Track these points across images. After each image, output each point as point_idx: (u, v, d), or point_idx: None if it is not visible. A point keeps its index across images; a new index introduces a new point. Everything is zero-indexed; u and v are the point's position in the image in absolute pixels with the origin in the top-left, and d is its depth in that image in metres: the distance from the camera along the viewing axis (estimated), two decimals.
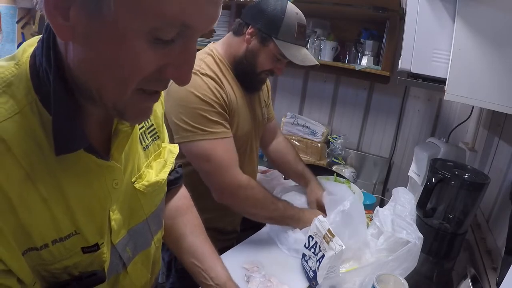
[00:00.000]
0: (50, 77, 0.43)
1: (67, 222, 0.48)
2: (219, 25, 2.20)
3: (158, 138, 0.68)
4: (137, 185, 0.60)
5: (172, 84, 1.08)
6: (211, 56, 1.08)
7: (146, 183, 0.61)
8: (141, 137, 0.63)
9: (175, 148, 0.73)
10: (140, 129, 0.63)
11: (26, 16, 2.95)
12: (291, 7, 1.06)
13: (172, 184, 0.81)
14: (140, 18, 0.36)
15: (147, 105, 0.48)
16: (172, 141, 1.03)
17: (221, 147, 1.01)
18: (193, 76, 1.08)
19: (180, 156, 1.09)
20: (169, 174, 0.77)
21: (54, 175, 0.46)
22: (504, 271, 0.68)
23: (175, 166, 0.82)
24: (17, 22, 2.97)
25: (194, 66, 1.08)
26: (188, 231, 0.81)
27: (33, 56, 0.45)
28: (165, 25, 0.38)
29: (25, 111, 0.44)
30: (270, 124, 1.40)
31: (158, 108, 0.69)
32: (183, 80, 0.44)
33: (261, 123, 1.27)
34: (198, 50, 1.15)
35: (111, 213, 0.56)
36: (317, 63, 1.13)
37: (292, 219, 1.11)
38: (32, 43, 0.48)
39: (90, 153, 0.48)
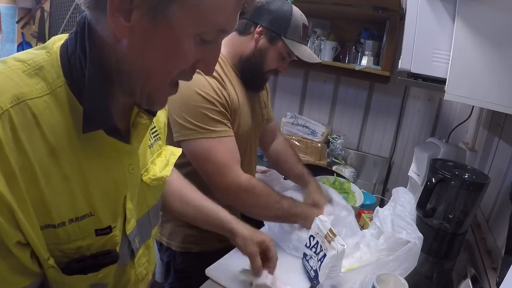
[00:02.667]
0: (82, 64, 0.48)
1: (84, 202, 0.51)
2: None
3: (160, 140, 0.72)
4: (144, 178, 0.64)
5: None
6: None
7: (153, 177, 0.65)
8: (148, 136, 0.67)
9: (177, 151, 0.77)
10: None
11: (26, 16, 2.95)
12: (296, 9, 1.10)
13: None
14: (194, 25, 0.45)
15: (169, 95, 0.55)
16: (171, 139, 1.03)
17: (222, 146, 1.01)
18: (196, 75, 1.10)
19: (180, 155, 1.09)
20: None
21: (76, 155, 0.49)
22: (504, 271, 0.68)
23: None
24: (17, 22, 2.97)
25: None
26: (189, 199, 0.90)
27: (65, 46, 0.50)
28: (212, 30, 0.47)
29: (55, 93, 0.48)
30: (270, 125, 1.40)
31: (160, 113, 0.73)
32: (210, 71, 0.52)
33: (260, 123, 1.28)
34: None
35: (126, 202, 0.59)
36: (320, 60, 1.17)
37: (299, 217, 1.09)
38: (61, 37, 0.52)
39: (113, 136, 0.52)
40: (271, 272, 0.90)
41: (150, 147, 0.68)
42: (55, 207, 0.48)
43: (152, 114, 0.59)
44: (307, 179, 1.35)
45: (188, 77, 0.52)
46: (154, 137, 0.70)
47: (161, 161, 0.70)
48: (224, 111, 1.03)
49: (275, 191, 1.09)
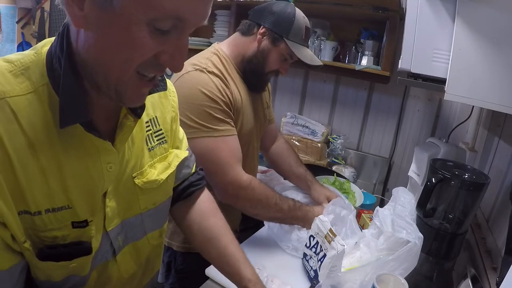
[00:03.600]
0: (61, 62, 0.50)
1: (61, 195, 0.53)
2: (219, 25, 2.20)
3: (166, 143, 0.72)
4: (136, 181, 0.65)
5: (178, 81, 1.09)
6: (217, 56, 1.09)
7: (145, 180, 0.66)
8: (147, 138, 0.68)
9: (182, 153, 0.77)
10: (147, 131, 0.68)
11: (26, 16, 2.95)
12: (299, 11, 1.11)
13: (194, 185, 0.84)
14: (143, 10, 0.44)
15: (144, 90, 0.54)
16: None
17: (225, 145, 1.01)
18: (200, 73, 1.10)
19: None
20: (191, 175, 0.83)
21: (55, 150, 0.52)
22: (504, 271, 0.68)
23: (196, 168, 0.86)
24: (17, 22, 2.97)
25: (201, 64, 1.12)
26: (213, 234, 0.81)
27: (50, 48, 0.53)
28: (163, 17, 0.45)
29: (37, 91, 0.50)
30: (271, 126, 1.40)
31: (169, 114, 0.73)
32: (176, 66, 0.51)
33: (262, 123, 1.28)
34: (200, 50, 1.17)
35: (107, 199, 0.60)
36: (322, 63, 1.18)
37: (298, 219, 1.10)
38: (51, 40, 0.55)
39: (90, 132, 0.53)
40: (272, 279, 0.91)
41: (150, 150, 0.68)
42: (31, 196, 0.50)
43: (137, 115, 0.60)
44: (310, 181, 1.34)
45: (156, 71, 0.51)
46: (157, 140, 0.70)
47: (163, 165, 0.71)
48: (228, 110, 1.03)
49: (275, 193, 1.09)
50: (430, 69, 0.92)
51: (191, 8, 0.46)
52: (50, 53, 0.52)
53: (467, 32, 0.83)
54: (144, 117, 0.66)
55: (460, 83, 0.85)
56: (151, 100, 0.69)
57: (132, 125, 0.59)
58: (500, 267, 0.84)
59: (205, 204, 0.86)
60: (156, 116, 0.70)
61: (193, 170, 0.85)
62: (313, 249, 0.95)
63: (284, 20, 1.07)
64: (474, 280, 0.83)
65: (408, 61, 0.94)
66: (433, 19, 0.90)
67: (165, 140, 0.72)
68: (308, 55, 1.13)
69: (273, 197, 1.07)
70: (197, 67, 1.02)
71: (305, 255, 1.00)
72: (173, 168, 0.72)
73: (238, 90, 1.09)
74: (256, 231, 1.20)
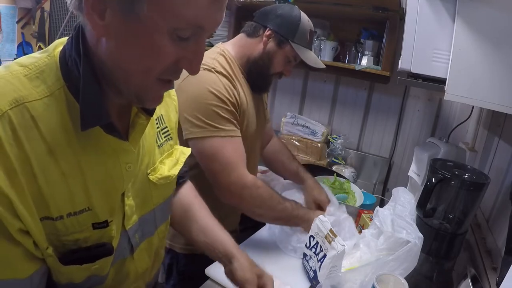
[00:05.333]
0: (79, 66, 0.50)
1: (82, 198, 0.53)
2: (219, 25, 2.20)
3: (171, 139, 0.74)
4: (151, 177, 0.67)
5: (186, 80, 1.10)
6: (223, 56, 1.09)
7: (159, 176, 0.68)
8: (157, 136, 0.69)
9: (187, 150, 0.79)
10: (156, 129, 0.70)
11: (26, 16, 2.95)
12: (304, 14, 1.12)
13: (181, 177, 0.87)
14: (166, 20, 0.45)
15: (162, 92, 0.55)
16: (181, 138, 1.03)
17: (230, 146, 1.02)
18: (208, 73, 1.11)
19: (188, 158, 1.09)
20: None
21: (75, 153, 0.52)
22: (504, 271, 0.68)
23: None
24: (17, 22, 2.97)
25: (209, 64, 1.14)
26: (196, 216, 0.85)
27: (63, 50, 0.53)
28: (185, 26, 0.46)
29: (54, 95, 0.50)
30: (267, 126, 1.40)
31: (172, 113, 0.75)
32: (194, 70, 0.52)
33: (263, 124, 1.29)
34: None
35: (126, 198, 0.61)
36: (325, 66, 1.19)
37: (301, 219, 1.09)
38: (62, 41, 0.55)
39: (110, 133, 0.54)
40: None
41: (159, 147, 0.70)
42: (53, 201, 0.50)
43: (149, 114, 0.61)
44: (303, 177, 1.34)
45: (175, 76, 0.53)
46: (165, 137, 0.72)
47: (171, 161, 0.72)
48: (234, 110, 1.04)
49: (278, 193, 1.09)
50: (430, 69, 0.92)
51: (210, 16, 0.48)
52: (64, 55, 0.52)
53: (467, 32, 0.83)
54: (153, 115, 0.67)
55: (460, 83, 0.85)
56: None
57: (145, 124, 0.60)
58: (500, 267, 0.84)
59: (186, 191, 0.89)
60: (162, 114, 0.71)
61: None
62: (313, 249, 0.95)
63: (290, 23, 1.09)
64: (474, 280, 0.83)
65: (408, 61, 0.94)
66: (433, 19, 0.90)
67: (170, 137, 0.74)
68: (312, 57, 1.14)
69: (276, 197, 1.07)
70: (205, 67, 1.02)
71: (305, 255, 1.00)
72: (181, 164, 0.74)
73: (243, 91, 1.10)
74: (256, 231, 1.20)
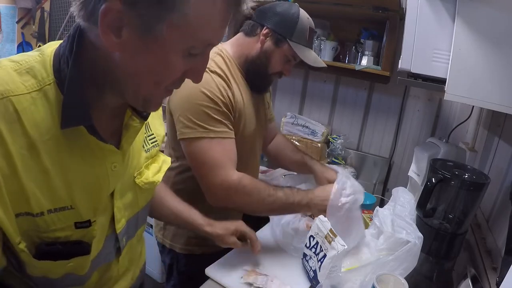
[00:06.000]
0: (69, 64, 0.50)
1: (64, 195, 0.53)
2: None
3: (157, 146, 0.75)
4: (137, 180, 0.67)
5: None
6: (220, 56, 1.08)
7: (145, 180, 0.69)
8: (144, 141, 0.70)
9: (169, 159, 0.80)
10: (144, 134, 0.71)
11: (26, 16, 2.95)
12: (303, 12, 1.09)
13: None
14: (183, 41, 0.47)
15: (163, 99, 0.57)
16: (175, 138, 1.03)
17: (219, 147, 1.00)
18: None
19: (183, 157, 1.09)
20: None
21: (59, 150, 0.51)
22: (504, 271, 0.68)
23: None
24: (17, 22, 2.97)
25: None
26: (163, 198, 0.94)
27: (58, 48, 0.53)
28: (199, 45, 0.49)
29: (43, 90, 0.50)
30: (270, 125, 1.40)
31: (157, 121, 0.76)
32: (198, 79, 0.55)
33: (264, 124, 1.27)
34: None
35: (114, 199, 0.62)
36: (325, 65, 1.16)
37: (299, 204, 1.04)
38: (57, 42, 0.55)
39: (93, 135, 0.54)
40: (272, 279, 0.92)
41: (146, 152, 0.71)
42: (34, 197, 0.50)
43: (144, 118, 0.61)
44: (311, 164, 1.32)
45: (178, 86, 0.55)
46: (152, 143, 0.73)
47: (155, 167, 0.73)
48: (227, 111, 1.02)
49: (269, 185, 1.05)
50: (430, 69, 0.92)
51: (219, 34, 0.51)
52: (58, 54, 0.52)
53: (467, 32, 0.83)
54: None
55: (460, 83, 0.85)
56: None
57: (138, 127, 0.61)
58: (500, 267, 0.84)
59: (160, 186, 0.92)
60: (148, 122, 0.72)
61: None
62: (313, 249, 0.95)
63: (288, 21, 1.06)
64: (474, 280, 0.83)
65: (408, 61, 0.94)
66: (433, 19, 0.90)
67: (157, 143, 0.75)
68: (311, 56, 1.11)
69: (266, 189, 1.02)
70: None
71: (304, 255, 1.00)
72: (163, 172, 0.75)
73: (240, 92, 1.09)
74: (256, 231, 1.20)
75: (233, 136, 1.04)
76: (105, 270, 0.66)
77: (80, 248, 0.57)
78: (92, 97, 0.54)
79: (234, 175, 1.00)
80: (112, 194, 0.61)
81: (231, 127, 1.03)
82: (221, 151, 1.00)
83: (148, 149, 0.71)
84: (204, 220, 0.96)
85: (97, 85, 0.53)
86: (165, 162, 0.77)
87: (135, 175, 0.67)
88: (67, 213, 0.54)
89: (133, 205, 0.68)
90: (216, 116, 0.99)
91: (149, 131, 0.73)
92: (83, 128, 0.52)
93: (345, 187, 1.07)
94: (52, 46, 0.54)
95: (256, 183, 1.04)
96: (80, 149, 0.54)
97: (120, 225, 0.64)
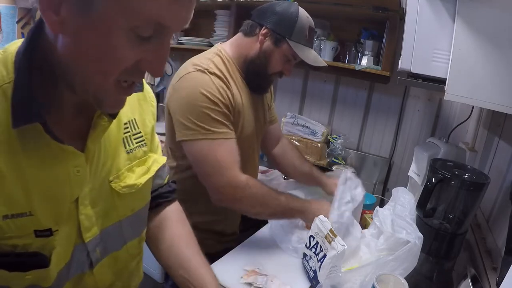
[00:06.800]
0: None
1: (22, 201, 0.49)
2: (219, 25, 2.20)
3: (145, 146, 0.69)
4: (113, 185, 0.62)
5: (179, 81, 1.08)
6: (219, 56, 1.08)
7: (123, 184, 0.63)
8: (125, 140, 0.65)
9: (162, 159, 0.75)
10: (125, 133, 0.65)
11: (26, 16, 2.95)
12: (302, 11, 1.08)
13: (163, 197, 0.81)
14: (124, 17, 0.42)
15: (122, 97, 0.53)
16: (174, 138, 1.03)
17: (222, 148, 1.00)
18: (201, 74, 1.08)
19: (181, 157, 1.09)
20: (161, 187, 0.80)
21: (15, 153, 0.48)
22: (504, 271, 0.68)
23: (168, 180, 0.83)
24: (17, 22, 2.97)
25: (202, 65, 1.11)
26: (176, 242, 0.78)
27: (20, 46, 0.50)
28: (144, 23, 0.43)
29: (2, 88, 0.47)
30: (273, 127, 1.39)
31: (148, 118, 0.71)
32: (156, 72, 0.49)
33: (263, 125, 1.27)
34: (200, 50, 1.16)
35: (80, 206, 0.56)
36: (326, 64, 1.16)
37: (297, 211, 1.08)
38: (21, 40, 0.52)
39: (48, 134, 0.50)
40: (272, 279, 0.91)
41: (128, 153, 0.65)
42: None
43: (112, 116, 0.57)
44: (317, 176, 1.33)
45: (136, 78, 0.50)
46: (137, 143, 0.67)
47: (142, 169, 0.68)
48: (227, 112, 1.02)
49: (272, 188, 1.08)
50: (430, 69, 0.92)
51: (172, 14, 0.44)
52: (19, 52, 0.49)
53: (467, 32, 0.83)
54: (123, 118, 0.64)
55: (460, 83, 0.85)
56: (129, 102, 0.64)
57: (106, 125, 0.57)
58: (500, 267, 0.84)
59: (172, 214, 0.82)
60: (134, 119, 0.67)
61: (165, 182, 0.82)
62: (313, 249, 0.95)
63: (287, 20, 1.05)
64: (474, 280, 0.83)
65: (408, 61, 0.94)
66: (433, 19, 0.90)
67: (144, 143, 0.69)
68: (311, 56, 1.10)
69: (271, 192, 1.05)
70: (198, 68, 1.01)
71: (304, 255, 1.00)
72: (152, 173, 0.70)
73: (239, 92, 1.09)
74: (256, 231, 1.20)
75: (234, 137, 1.04)
76: (79, 280, 0.60)
77: (36, 261, 0.52)
78: (49, 94, 0.50)
79: (242, 176, 1.01)
80: (77, 201, 0.56)
81: (231, 127, 1.04)
82: (224, 152, 1.00)
83: (130, 149, 0.65)
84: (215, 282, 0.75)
85: (52, 81, 0.50)
86: (155, 161, 0.71)
87: (110, 179, 0.61)
88: (25, 220, 0.49)
89: (109, 213, 0.62)
90: (217, 117, 0.99)
91: (135, 129, 0.67)
92: (40, 128, 0.48)
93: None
94: (16, 44, 0.51)
95: (262, 186, 1.05)
96: (38, 151, 0.50)
97: (90, 235, 0.59)
